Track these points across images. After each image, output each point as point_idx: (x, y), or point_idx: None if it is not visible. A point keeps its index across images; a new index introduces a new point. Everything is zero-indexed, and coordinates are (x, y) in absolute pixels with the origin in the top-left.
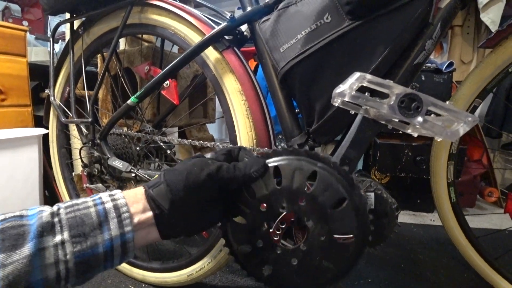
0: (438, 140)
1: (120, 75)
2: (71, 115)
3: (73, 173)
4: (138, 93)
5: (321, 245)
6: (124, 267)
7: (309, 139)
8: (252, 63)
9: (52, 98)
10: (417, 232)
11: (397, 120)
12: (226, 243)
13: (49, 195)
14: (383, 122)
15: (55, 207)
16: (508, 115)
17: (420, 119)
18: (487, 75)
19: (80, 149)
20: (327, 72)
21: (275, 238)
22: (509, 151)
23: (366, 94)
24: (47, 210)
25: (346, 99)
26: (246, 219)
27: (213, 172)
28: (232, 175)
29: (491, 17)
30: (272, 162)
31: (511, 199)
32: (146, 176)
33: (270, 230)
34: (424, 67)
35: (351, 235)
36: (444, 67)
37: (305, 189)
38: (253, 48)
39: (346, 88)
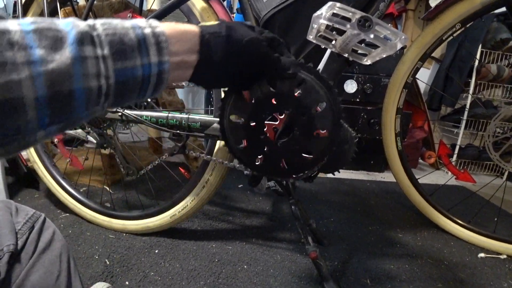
0: (384, 55)
1: None
2: None
3: None
4: None
5: (304, 138)
6: (103, 219)
7: None
8: None
9: None
10: (370, 186)
11: (356, 53)
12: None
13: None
14: (346, 55)
15: (89, 21)
16: (446, 91)
17: (372, 35)
18: (427, 42)
19: None
20: (301, 20)
21: (270, 133)
22: (446, 121)
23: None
24: (81, 22)
25: (322, 21)
26: (253, 101)
27: (267, 55)
28: (276, 64)
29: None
30: None
31: (442, 145)
32: (133, 115)
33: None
34: None
35: (326, 131)
36: None
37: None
38: None
39: (323, 12)
